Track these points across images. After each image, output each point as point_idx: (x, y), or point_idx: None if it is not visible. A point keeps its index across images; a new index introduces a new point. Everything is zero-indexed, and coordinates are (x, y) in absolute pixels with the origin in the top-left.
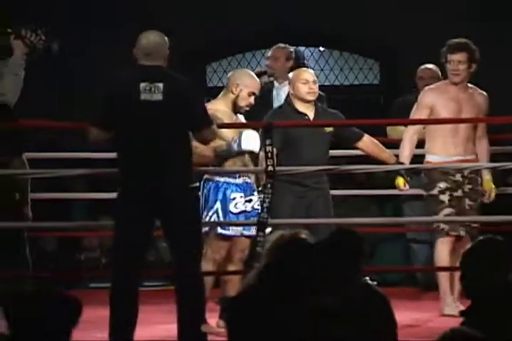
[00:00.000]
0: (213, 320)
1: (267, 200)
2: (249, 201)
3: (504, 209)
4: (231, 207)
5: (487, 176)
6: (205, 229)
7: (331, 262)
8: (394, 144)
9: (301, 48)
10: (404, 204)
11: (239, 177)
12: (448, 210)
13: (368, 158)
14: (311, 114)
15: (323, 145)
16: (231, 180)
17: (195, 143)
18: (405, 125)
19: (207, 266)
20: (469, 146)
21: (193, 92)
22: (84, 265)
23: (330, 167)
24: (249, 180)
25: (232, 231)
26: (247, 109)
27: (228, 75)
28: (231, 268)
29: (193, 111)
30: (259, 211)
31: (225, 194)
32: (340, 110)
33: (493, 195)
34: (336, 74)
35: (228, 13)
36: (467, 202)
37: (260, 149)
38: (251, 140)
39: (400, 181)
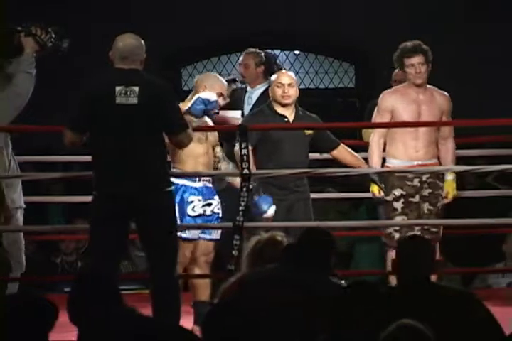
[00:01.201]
0: (186, 323)
1: (242, 203)
2: (209, 205)
3: (481, 211)
4: (188, 210)
5: (450, 177)
6: None
7: (302, 261)
8: (367, 147)
9: (277, 52)
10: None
11: (199, 180)
12: (399, 218)
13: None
14: (290, 117)
15: (303, 147)
16: (189, 183)
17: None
18: (378, 128)
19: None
20: (431, 150)
21: (169, 96)
22: (61, 269)
23: (306, 170)
24: (209, 184)
25: (189, 234)
26: (216, 111)
27: (195, 79)
28: (197, 271)
29: (168, 115)
30: (220, 215)
31: (182, 197)
32: (316, 114)
33: (450, 196)
34: (311, 78)
35: (204, 17)
36: (426, 206)
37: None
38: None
39: (375, 188)
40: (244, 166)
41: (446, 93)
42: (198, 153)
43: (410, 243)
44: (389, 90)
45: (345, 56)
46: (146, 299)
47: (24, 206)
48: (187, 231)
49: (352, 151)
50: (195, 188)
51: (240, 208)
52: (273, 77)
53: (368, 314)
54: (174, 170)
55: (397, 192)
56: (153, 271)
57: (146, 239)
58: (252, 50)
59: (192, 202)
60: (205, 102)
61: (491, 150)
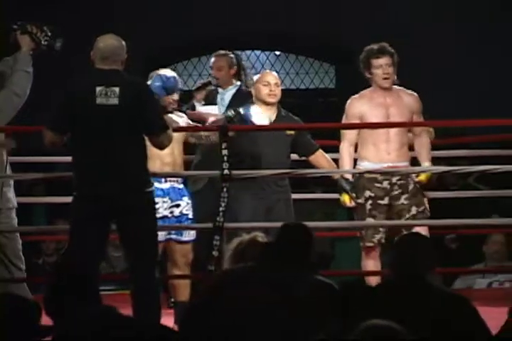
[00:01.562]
0: (166, 323)
1: (222, 204)
2: (177, 206)
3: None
4: None
5: (426, 163)
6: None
7: (280, 259)
8: None
9: (257, 52)
10: None
11: (165, 181)
12: (368, 220)
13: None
14: (272, 117)
15: (284, 147)
16: (156, 185)
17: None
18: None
19: None
20: (402, 152)
21: (149, 96)
22: (42, 270)
23: (288, 170)
24: (177, 185)
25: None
26: (175, 106)
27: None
28: (177, 272)
29: (149, 116)
30: (190, 216)
31: None
32: (296, 114)
33: (422, 177)
34: (292, 79)
35: (184, 18)
36: (414, 209)
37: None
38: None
39: (346, 198)
40: (224, 166)
41: (414, 93)
42: (163, 153)
43: (409, 240)
44: (355, 96)
45: (326, 57)
46: (125, 300)
47: (16, 206)
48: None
49: (328, 158)
50: (162, 189)
51: (220, 209)
52: (257, 77)
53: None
54: None
55: (367, 193)
56: (134, 271)
57: (127, 239)
58: (223, 52)
59: (156, 203)
60: (163, 79)
61: (473, 151)
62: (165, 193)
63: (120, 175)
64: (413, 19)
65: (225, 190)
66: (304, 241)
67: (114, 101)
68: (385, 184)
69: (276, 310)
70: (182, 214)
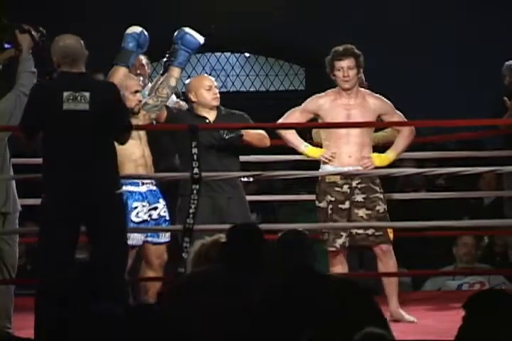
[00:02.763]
0: None
1: (192, 206)
2: (155, 209)
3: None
4: (132, 217)
5: (390, 154)
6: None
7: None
8: (319, 147)
9: (226, 54)
10: None
11: (142, 184)
12: (329, 224)
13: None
14: (211, 118)
15: (226, 151)
16: (133, 189)
17: None
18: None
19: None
20: (363, 154)
21: (118, 99)
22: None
23: (256, 173)
24: (152, 187)
25: (133, 240)
26: (139, 106)
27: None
28: (152, 274)
29: (119, 119)
30: (168, 217)
31: (126, 203)
32: (268, 116)
33: (374, 162)
34: (262, 80)
35: (147, 19)
36: (362, 212)
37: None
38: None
39: (313, 151)
40: (194, 165)
41: (379, 96)
42: (136, 156)
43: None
44: (320, 94)
45: (296, 58)
46: None
47: (20, 209)
48: (130, 238)
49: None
50: (140, 193)
51: (190, 211)
52: (194, 82)
53: None
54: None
55: (327, 198)
56: (101, 272)
57: (96, 241)
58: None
59: (136, 207)
60: (135, 36)
61: (443, 153)
62: (143, 197)
63: (90, 177)
64: (389, 20)
65: (194, 192)
66: (252, 241)
67: (84, 106)
68: (345, 188)
69: (232, 314)
70: (160, 217)
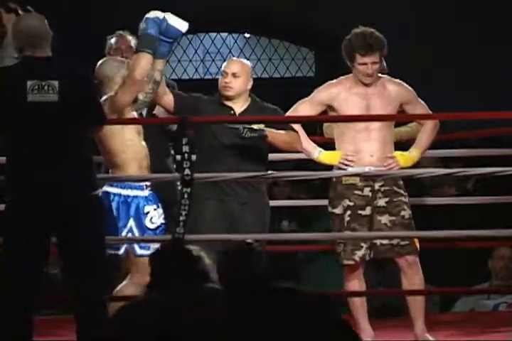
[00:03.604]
0: None
1: (183, 213)
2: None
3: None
4: (147, 223)
5: (413, 152)
6: (122, 250)
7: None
8: (331, 144)
9: (223, 35)
10: None
11: (146, 188)
12: (345, 234)
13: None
14: (238, 109)
15: (250, 150)
16: (140, 193)
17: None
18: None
19: (135, 290)
20: (386, 152)
21: (92, 86)
22: None
23: (256, 174)
24: (151, 190)
25: (152, 250)
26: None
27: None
28: (136, 286)
29: (92, 109)
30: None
31: (137, 208)
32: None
33: (400, 162)
34: (265, 65)
35: None
36: (385, 219)
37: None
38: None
39: (328, 157)
40: (185, 165)
41: (400, 82)
42: (142, 155)
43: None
44: (332, 81)
45: (304, 40)
46: (67, 325)
47: None
48: (149, 247)
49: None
50: (146, 197)
51: (181, 218)
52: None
53: None
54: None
55: (345, 203)
56: (77, 292)
57: (69, 252)
58: (122, 31)
59: (148, 212)
60: (157, 21)
61: (472, 150)
62: (151, 201)
63: (60, 178)
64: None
65: (185, 196)
66: (181, 258)
67: (53, 97)
68: (366, 191)
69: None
70: (162, 224)
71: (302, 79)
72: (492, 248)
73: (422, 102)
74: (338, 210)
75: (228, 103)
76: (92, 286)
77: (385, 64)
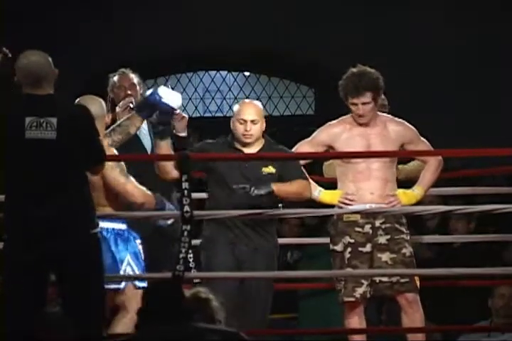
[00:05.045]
0: None
1: (183, 250)
2: None
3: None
4: (142, 256)
5: (417, 190)
6: (121, 284)
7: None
8: (331, 183)
9: (223, 73)
10: None
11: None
12: (346, 271)
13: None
14: (251, 152)
15: (256, 206)
16: (125, 227)
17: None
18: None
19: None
20: (387, 190)
21: (91, 125)
22: None
23: (257, 211)
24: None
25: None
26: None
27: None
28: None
29: (91, 148)
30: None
31: (132, 242)
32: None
33: (401, 200)
34: (264, 104)
35: (147, 31)
36: (385, 256)
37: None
38: (169, 93)
39: (328, 196)
40: (185, 202)
41: (402, 121)
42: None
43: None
44: (333, 121)
45: (304, 78)
46: None
47: None
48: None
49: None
50: (130, 231)
51: (181, 255)
52: (235, 108)
53: None
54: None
55: (345, 240)
56: (76, 330)
57: (68, 291)
58: (125, 69)
59: (140, 249)
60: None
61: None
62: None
63: (58, 216)
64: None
65: (185, 233)
66: (171, 298)
67: (51, 134)
68: (367, 228)
69: None
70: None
71: (302, 117)
72: (492, 286)
73: (425, 141)
74: (338, 247)
75: (243, 148)
76: (91, 323)
77: (385, 102)
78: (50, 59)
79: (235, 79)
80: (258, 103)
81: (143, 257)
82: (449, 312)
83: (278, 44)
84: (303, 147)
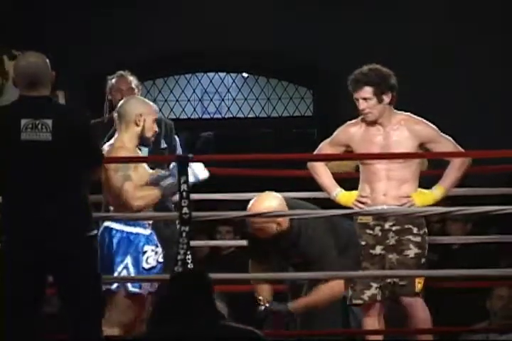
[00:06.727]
0: None
1: (181, 251)
2: (156, 253)
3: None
4: (143, 263)
5: (436, 191)
6: (114, 287)
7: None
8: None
9: (221, 74)
10: None
11: (148, 226)
12: (351, 273)
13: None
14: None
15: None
16: (143, 231)
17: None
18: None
19: (112, 330)
20: (402, 192)
21: (87, 127)
22: None
23: (257, 212)
24: (151, 230)
25: (142, 289)
26: (153, 139)
27: (122, 108)
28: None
29: (87, 150)
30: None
31: (137, 247)
32: (269, 147)
33: (416, 202)
34: (262, 105)
35: (147, 33)
36: (393, 257)
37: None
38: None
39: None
40: (183, 204)
41: (420, 119)
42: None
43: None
44: (351, 121)
45: (302, 79)
46: None
47: None
48: (141, 286)
49: None
50: (147, 236)
51: (179, 257)
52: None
53: None
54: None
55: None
56: (74, 330)
57: (66, 292)
58: (123, 72)
59: (146, 252)
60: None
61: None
62: (151, 241)
63: (57, 219)
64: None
65: (184, 235)
66: (197, 290)
67: (46, 136)
68: (377, 230)
69: None
70: (158, 262)
71: (300, 118)
72: (490, 288)
73: (448, 138)
74: None
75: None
76: (88, 325)
77: (387, 100)
78: (48, 61)
79: (234, 81)
80: (274, 203)
81: (150, 265)
82: (447, 313)
83: (277, 45)
84: (324, 147)
